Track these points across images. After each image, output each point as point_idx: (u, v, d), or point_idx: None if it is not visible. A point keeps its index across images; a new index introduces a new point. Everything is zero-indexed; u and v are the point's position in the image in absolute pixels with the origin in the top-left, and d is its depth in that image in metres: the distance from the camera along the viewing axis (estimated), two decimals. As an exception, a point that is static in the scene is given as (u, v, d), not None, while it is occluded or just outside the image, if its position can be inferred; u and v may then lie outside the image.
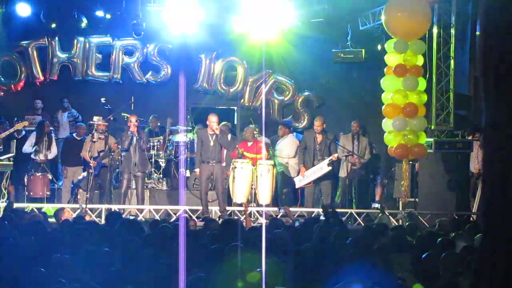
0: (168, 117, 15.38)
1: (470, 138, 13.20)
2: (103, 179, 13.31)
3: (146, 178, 13.93)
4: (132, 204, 13.08)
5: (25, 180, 13.31)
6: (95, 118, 13.95)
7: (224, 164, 13.05)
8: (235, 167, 13.16)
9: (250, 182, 13.28)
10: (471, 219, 11.92)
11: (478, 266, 2.76)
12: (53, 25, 15.56)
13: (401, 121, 12.25)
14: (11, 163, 13.61)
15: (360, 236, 7.48)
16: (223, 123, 14.32)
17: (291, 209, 13.07)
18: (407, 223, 10.68)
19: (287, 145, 13.92)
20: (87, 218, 10.90)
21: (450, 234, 8.04)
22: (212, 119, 12.64)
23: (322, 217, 9.59)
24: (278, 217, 11.98)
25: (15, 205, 11.84)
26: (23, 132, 14.16)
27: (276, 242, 6.39)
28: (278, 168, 13.92)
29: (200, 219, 12.04)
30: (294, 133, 14.64)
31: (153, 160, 14.08)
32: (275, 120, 16.36)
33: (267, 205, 13.27)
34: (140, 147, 12.82)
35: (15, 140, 13.96)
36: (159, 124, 15.32)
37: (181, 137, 14.72)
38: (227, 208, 12.91)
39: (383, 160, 14.60)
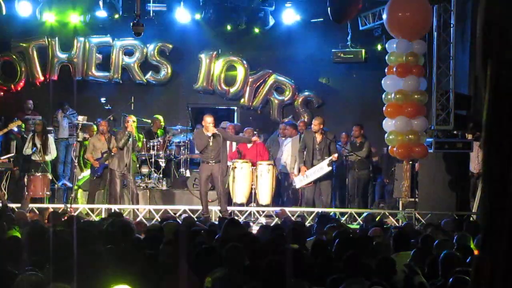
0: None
1: (470, 138, 13.19)
2: (104, 179, 13.30)
3: (146, 178, 13.93)
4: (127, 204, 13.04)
5: (25, 180, 13.30)
6: (80, 118, 13.98)
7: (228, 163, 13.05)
8: (235, 167, 13.15)
9: (250, 182, 13.28)
10: (471, 219, 11.91)
11: (478, 266, 2.76)
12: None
13: (402, 121, 12.24)
14: (11, 163, 13.60)
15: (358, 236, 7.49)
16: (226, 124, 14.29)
17: (291, 209, 13.07)
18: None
19: (295, 145, 13.80)
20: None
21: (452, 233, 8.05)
22: (208, 120, 12.30)
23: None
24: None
25: (14, 205, 11.85)
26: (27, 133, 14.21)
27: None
28: (281, 168, 13.93)
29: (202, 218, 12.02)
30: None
31: (153, 160, 14.06)
32: (275, 120, 16.38)
33: (267, 205, 13.26)
34: (134, 149, 12.77)
35: (15, 141, 13.95)
36: (162, 124, 15.28)
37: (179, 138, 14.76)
38: (228, 208, 12.88)
39: (384, 160, 14.61)
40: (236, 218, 10.97)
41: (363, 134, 14.31)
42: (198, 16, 15.58)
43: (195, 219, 9.98)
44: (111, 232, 6.91)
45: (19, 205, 12.48)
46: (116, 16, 15.32)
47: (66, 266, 5.18)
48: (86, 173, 13.97)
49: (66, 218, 9.11)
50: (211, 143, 12.25)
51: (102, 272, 5.03)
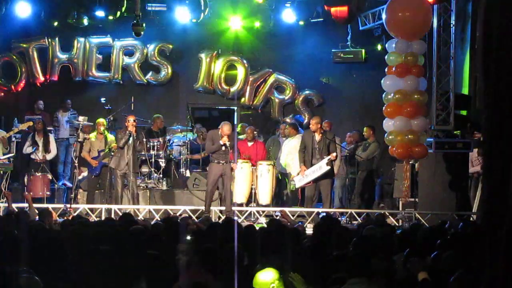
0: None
1: (470, 138, 13.19)
2: (103, 178, 13.30)
3: (146, 178, 13.91)
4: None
5: (25, 180, 13.30)
6: (80, 118, 13.98)
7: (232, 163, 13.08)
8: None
9: (250, 182, 13.28)
10: (471, 219, 11.91)
11: (478, 265, 2.76)
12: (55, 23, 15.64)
13: (402, 121, 12.24)
14: (11, 163, 13.61)
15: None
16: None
17: (291, 209, 13.06)
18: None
19: (296, 146, 13.79)
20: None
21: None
22: (225, 130, 12.29)
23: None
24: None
25: (15, 205, 11.84)
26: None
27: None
28: (281, 168, 13.91)
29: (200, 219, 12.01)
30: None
31: (153, 160, 14.05)
32: (276, 119, 16.39)
33: (267, 205, 13.26)
34: (135, 147, 12.76)
35: (15, 141, 13.96)
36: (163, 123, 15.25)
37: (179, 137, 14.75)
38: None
39: (384, 160, 14.59)
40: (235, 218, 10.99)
41: (374, 135, 14.22)
42: (198, 16, 15.57)
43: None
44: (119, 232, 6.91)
45: (20, 205, 12.47)
46: (111, 17, 15.35)
47: (67, 266, 5.19)
48: (86, 173, 13.95)
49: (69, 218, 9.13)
50: (223, 147, 12.30)
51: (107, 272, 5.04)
